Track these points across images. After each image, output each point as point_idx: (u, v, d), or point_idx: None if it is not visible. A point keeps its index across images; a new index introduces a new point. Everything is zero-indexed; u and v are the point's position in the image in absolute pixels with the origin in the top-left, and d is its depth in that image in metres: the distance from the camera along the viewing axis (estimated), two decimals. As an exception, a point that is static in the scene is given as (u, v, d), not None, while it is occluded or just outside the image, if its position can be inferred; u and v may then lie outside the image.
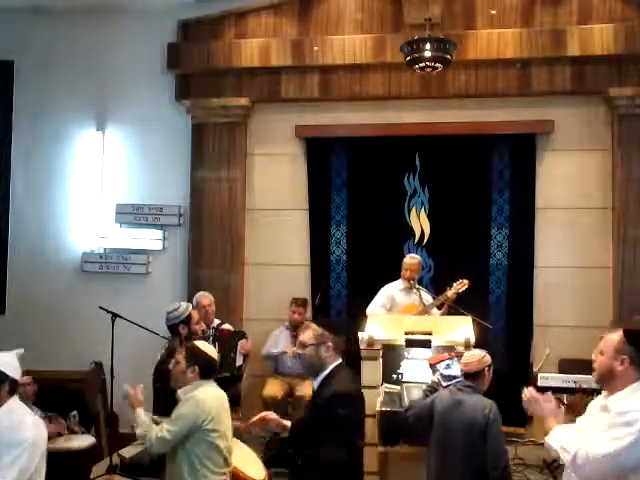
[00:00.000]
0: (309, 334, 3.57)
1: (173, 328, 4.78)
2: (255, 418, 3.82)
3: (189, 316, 4.83)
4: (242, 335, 6.26)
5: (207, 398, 3.81)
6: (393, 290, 6.53)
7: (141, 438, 3.88)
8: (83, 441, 5.40)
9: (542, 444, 5.43)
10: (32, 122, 7.82)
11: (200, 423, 3.72)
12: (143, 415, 3.93)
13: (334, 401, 3.39)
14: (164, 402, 4.31)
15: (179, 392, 3.89)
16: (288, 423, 3.72)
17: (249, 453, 4.58)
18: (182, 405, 3.80)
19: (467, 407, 4.06)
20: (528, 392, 3.08)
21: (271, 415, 3.80)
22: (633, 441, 2.68)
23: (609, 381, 2.92)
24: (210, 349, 4.04)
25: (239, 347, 6.05)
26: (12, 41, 7.76)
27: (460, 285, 6.28)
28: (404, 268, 6.51)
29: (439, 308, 6.38)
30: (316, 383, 3.56)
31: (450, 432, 4.05)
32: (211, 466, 3.75)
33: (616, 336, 2.93)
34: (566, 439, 2.89)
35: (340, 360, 3.58)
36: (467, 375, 4.25)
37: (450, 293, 6.25)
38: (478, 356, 4.27)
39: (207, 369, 3.93)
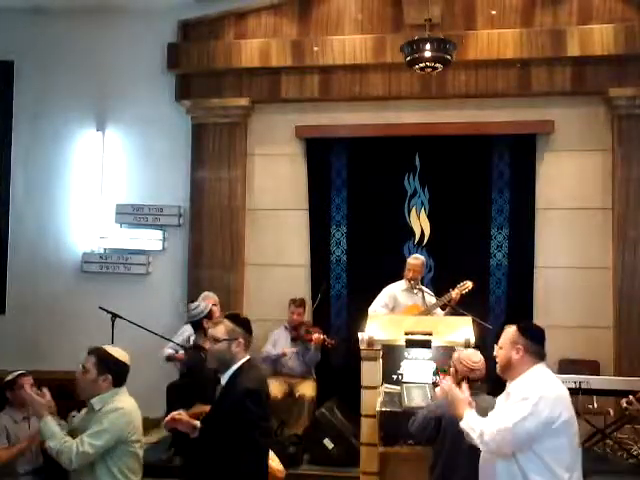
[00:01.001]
0: (222, 329, 3.53)
1: (197, 324, 4.80)
2: (167, 419, 3.77)
3: (211, 311, 4.85)
4: None
5: (130, 408, 3.63)
6: (396, 290, 6.52)
7: (55, 452, 3.52)
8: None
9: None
10: (32, 122, 7.83)
11: (126, 436, 3.56)
12: (53, 425, 3.58)
13: (246, 397, 3.40)
14: (199, 394, 4.24)
15: (93, 402, 3.63)
16: (198, 423, 3.70)
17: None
18: (104, 417, 3.54)
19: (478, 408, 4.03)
20: (445, 384, 3.46)
21: (180, 415, 3.75)
22: (530, 410, 3.06)
23: (509, 371, 3.28)
24: (122, 354, 3.80)
25: None
26: (12, 41, 7.77)
27: (464, 287, 6.28)
28: (407, 268, 6.50)
29: (442, 308, 6.37)
30: (224, 379, 3.52)
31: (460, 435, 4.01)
32: (130, 474, 3.62)
33: (511, 330, 3.32)
34: (474, 421, 3.23)
35: (248, 356, 3.58)
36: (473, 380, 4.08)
37: (454, 294, 6.24)
38: (482, 360, 4.15)
39: (120, 375, 3.70)
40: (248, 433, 3.35)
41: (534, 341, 3.27)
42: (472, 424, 3.22)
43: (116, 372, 3.68)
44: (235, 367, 3.51)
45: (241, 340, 3.53)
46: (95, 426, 3.54)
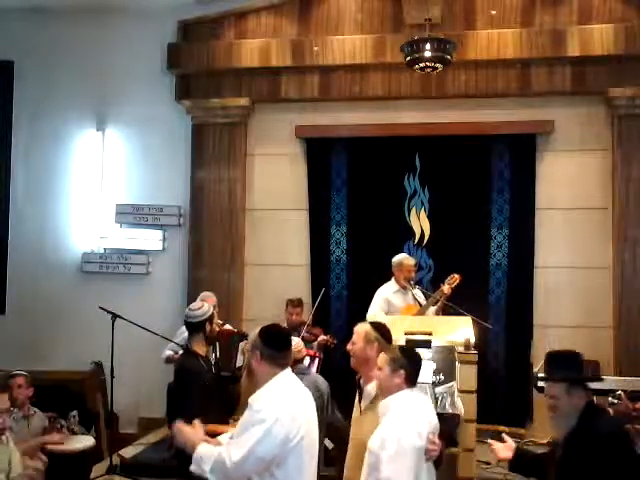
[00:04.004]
0: None
1: (197, 326, 4.63)
2: None
3: (212, 314, 4.72)
4: (244, 337, 6.26)
5: None
6: (387, 293, 6.50)
7: None
8: (83, 441, 5.39)
9: (542, 444, 5.46)
10: (32, 122, 7.83)
11: None
12: None
13: None
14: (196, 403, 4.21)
15: None
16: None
17: None
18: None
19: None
20: (177, 428, 3.16)
21: None
22: (265, 432, 2.87)
23: (252, 378, 3.09)
24: None
25: (240, 348, 6.05)
26: (12, 41, 7.77)
27: (452, 280, 6.28)
28: (405, 270, 6.48)
29: (434, 305, 6.36)
30: None
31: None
32: None
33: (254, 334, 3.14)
34: (207, 453, 2.96)
35: None
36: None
37: (446, 288, 6.24)
38: (300, 344, 4.87)
39: None
40: None
41: (270, 346, 3.06)
42: (203, 464, 2.94)
43: None
44: None
45: None
46: None
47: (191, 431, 3.11)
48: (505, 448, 3.40)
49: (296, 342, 4.88)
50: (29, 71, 7.86)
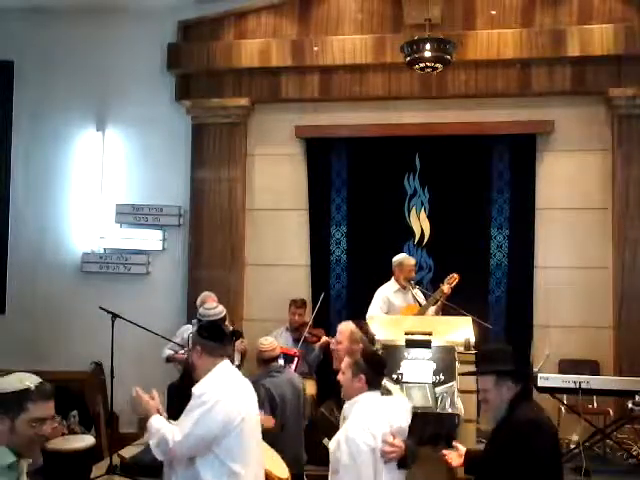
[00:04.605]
0: None
1: None
2: None
3: (225, 315, 4.81)
4: (238, 335, 6.25)
5: None
6: (388, 293, 6.51)
7: None
8: (83, 441, 5.39)
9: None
10: (32, 122, 7.83)
11: None
12: None
13: None
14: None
15: None
16: None
17: (273, 452, 4.56)
18: None
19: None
20: (135, 392, 3.45)
21: None
22: (205, 412, 3.14)
23: (195, 373, 3.35)
24: None
25: (235, 347, 6.06)
26: (12, 41, 7.76)
27: (452, 279, 6.29)
28: (405, 269, 6.50)
29: (434, 305, 6.36)
30: None
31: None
32: None
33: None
34: (159, 425, 3.23)
35: None
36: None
37: (445, 288, 6.25)
38: (272, 342, 4.97)
39: None
40: None
41: (209, 339, 3.32)
42: (155, 427, 3.23)
43: None
44: None
45: None
46: None
47: (149, 401, 3.35)
48: (457, 456, 3.44)
49: (270, 341, 4.93)
50: (29, 71, 7.86)
